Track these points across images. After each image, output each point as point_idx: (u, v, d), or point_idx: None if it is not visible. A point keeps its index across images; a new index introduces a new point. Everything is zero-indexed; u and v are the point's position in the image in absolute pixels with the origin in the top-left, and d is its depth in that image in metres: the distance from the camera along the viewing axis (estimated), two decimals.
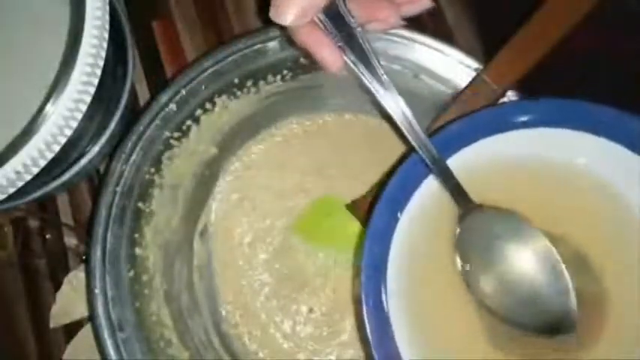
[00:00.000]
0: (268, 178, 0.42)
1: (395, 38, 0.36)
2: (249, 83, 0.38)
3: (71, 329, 0.40)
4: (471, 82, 0.35)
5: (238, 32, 0.45)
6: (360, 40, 0.28)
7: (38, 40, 0.34)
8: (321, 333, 0.40)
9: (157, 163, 0.37)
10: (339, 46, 0.29)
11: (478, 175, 0.31)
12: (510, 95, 0.35)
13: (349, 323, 0.40)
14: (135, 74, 0.41)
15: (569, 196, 0.32)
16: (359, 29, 0.29)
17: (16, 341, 0.40)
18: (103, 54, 0.31)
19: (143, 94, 0.44)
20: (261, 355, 0.39)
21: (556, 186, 0.32)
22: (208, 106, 0.37)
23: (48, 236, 0.41)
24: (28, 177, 0.31)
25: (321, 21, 0.28)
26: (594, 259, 0.31)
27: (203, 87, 0.37)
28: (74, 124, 0.31)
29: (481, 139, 0.31)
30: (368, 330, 0.29)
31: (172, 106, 0.36)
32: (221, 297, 0.40)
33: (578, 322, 0.29)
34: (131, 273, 0.35)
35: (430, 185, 0.31)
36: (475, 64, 0.36)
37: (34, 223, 0.41)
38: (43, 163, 0.31)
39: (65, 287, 0.40)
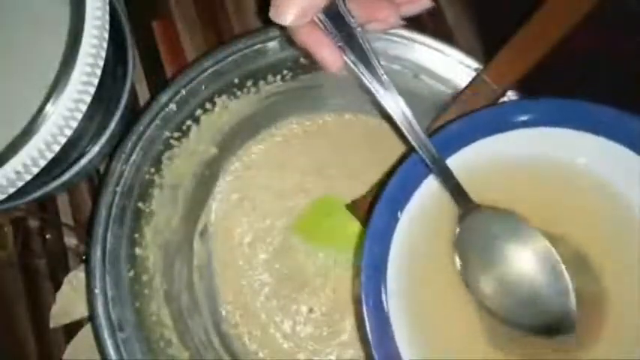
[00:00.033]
0: (268, 178, 0.42)
1: (395, 38, 0.36)
2: (249, 83, 0.38)
3: (71, 329, 0.40)
4: (471, 82, 0.35)
5: (238, 32, 0.45)
6: (360, 40, 0.29)
7: (38, 40, 0.34)
8: (321, 333, 0.40)
9: (157, 163, 0.37)
10: (339, 46, 0.29)
11: (478, 175, 0.31)
12: (510, 95, 0.35)
13: (349, 323, 0.40)
14: (135, 74, 0.41)
15: (570, 196, 0.32)
16: (359, 29, 0.29)
17: (16, 341, 0.40)
18: (103, 54, 0.31)
19: (143, 94, 0.44)
20: (261, 355, 0.39)
21: (556, 186, 0.32)
22: (208, 106, 0.37)
23: (48, 236, 0.41)
24: (28, 177, 0.31)
25: (321, 21, 0.28)
26: (594, 259, 0.31)
27: (203, 87, 0.37)
28: (74, 124, 0.31)
29: (481, 138, 0.31)
30: (368, 330, 0.29)
31: (172, 106, 0.36)
32: (221, 297, 0.40)
33: (577, 322, 0.29)
34: (131, 273, 0.35)
35: (430, 185, 0.31)
36: (475, 64, 0.36)
37: (34, 223, 0.41)
38: (43, 163, 0.31)
39: (65, 287, 0.40)
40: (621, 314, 0.30)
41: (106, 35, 0.32)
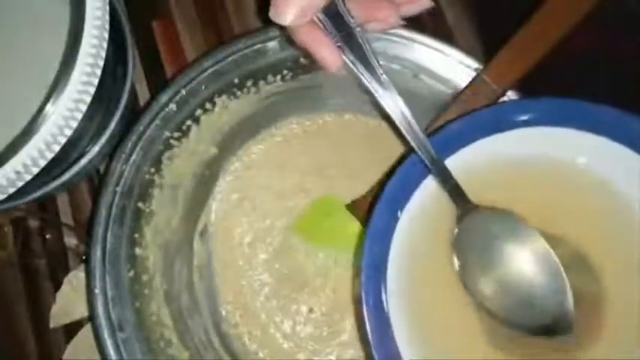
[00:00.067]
0: (268, 178, 0.42)
1: (394, 38, 0.36)
2: (249, 83, 0.38)
3: (71, 329, 0.40)
4: (471, 82, 0.35)
5: (238, 32, 0.45)
6: (360, 40, 0.29)
7: (38, 40, 0.34)
8: (321, 333, 0.40)
9: (157, 163, 0.37)
10: (339, 46, 0.29)
11: (477, 175, 0.31)
12: (510, 95, 0.35)
13: (349, 323, 0.40)
14: (135, 74, 0.41)
15: (569, 196, 0.32)
16: (358, 29, 0.29)
17: (16, 341, 0.40)
18: (103, 54, 0.31)
19: (143, 94, 0.44)
20: (261, 355, 0.39)
21: (556, 185, 0.32)
22: (208, 106, 0.37)
23: (48, 236, 0.41)
24: (28, 177, 0.31)
25: (320, 21, 0.28)
26: (594, 259, 0.31)
27: (203, 87, 0.37)
28: (74, 124, 0.31)
29: (481, 138, 0.31)
30: (368, 330, 0.29)
31: (172, 106, 0.36)
32: (221, 297, 0.40)
33: (577, 322, 0.29)
34: (131, 273, 0.35)
35: (430, 184, 0.31)
36: (475, 64, 0.36)
37: (34, 223, 0.41)
38: (43, 163, 0.31)
39: (65, 287, 0.40)
40: (621, 314, 0.30)
41: (106, 35, 0.32)
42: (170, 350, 0.36)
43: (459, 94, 0.35)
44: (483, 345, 0.31)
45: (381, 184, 0.31)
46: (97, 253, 0.34)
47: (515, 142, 0.31)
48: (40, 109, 0.30)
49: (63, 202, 0.43)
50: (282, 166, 0.42)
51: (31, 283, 0.41)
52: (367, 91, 0.29)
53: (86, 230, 0.41)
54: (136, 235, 0.36)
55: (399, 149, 0.36)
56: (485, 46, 0.44)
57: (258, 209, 0.41)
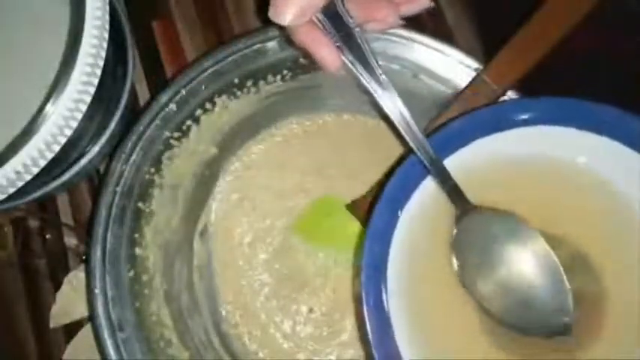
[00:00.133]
0: (268, 178, 0.42)
1: (394, 38, 0.36)
2: (249, 83, 0.38)
3: (71, 329, 0.40)
4: (471, 82, 0.35)
5: (238, 32, 0.45)
6: (359, 40, 0.29)
7: (38, 40, 0.34)
8: (321, 333, 0.40)
9: (157, 163, 0.37)
10: (338, 46, 0.29)
11: (477, 175, 0.31)
12: (510, 95, 0.35)
13: (349, 323, 0.40)
14: (135, 74, 0.41)
15: (569, 195, 0.32)
16: (357, 29, 0.29)
17: (16, 341, 0.40)
18: (103, 54, 0.31)
19: (143, 94, 0.44)
20: (261, 355, 0.39)
21: (556, 185, 0.32)
22: (208, 106, 0.37)
23: (48, 236, 0.41)
24: (28, 177, 0.31)
25: (319, 21, 0.28)
26: (594, 259, 0.31)
27: (203, 87, 0.37)
28: (74, 124, 0.31)
29: (481, 137, 0.31)
30: (368, 329, 0.29)
31: (172, 106, 0.36)
32: (221, 297, 0.40)
33: (577, 322, 0.29)
34: (131, 273, 0.35)
35: (430, 184, 0.31)
36: (475, 64, 0.36)
37: (34, 223, 0.41)
38: (43, 163, 0.31)
39: (65, 287, 0.40)
40: (621, 314, 0.30)
41: (106, 35, 0.32)
42: (170, 350, 0.36)
43: (459, 94, 0.35)
44: (483, 345, 0.31)
45: (381, 184, 0.31)
46: (97, 253, 0.34)
47: (515, 142, 0.31)
48: (40, 109, 0.30)
49: (63, 202, 0.43)
50: (282, 166, 0.42)
51: (31, 283, 0.41)
52: (366, 92, 0.29)
53: (86, 230, 0.41)
54: (136, 235, 0.36)
55: (398, 149, 0.36)
56: (485, 46, 0.44)
57: (258, 209, 0.41)
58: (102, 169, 0.42)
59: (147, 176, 0.36)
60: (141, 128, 0.36)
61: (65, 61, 0.30)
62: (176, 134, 0.37)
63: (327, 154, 0.42)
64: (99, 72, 0.31)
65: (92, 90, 0.31)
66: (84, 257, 0.40)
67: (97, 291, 0.34)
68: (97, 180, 0.43)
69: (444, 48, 0.36)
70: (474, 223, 0.30)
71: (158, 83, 0.44)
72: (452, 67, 0.36)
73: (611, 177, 0.31)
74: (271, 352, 0.39)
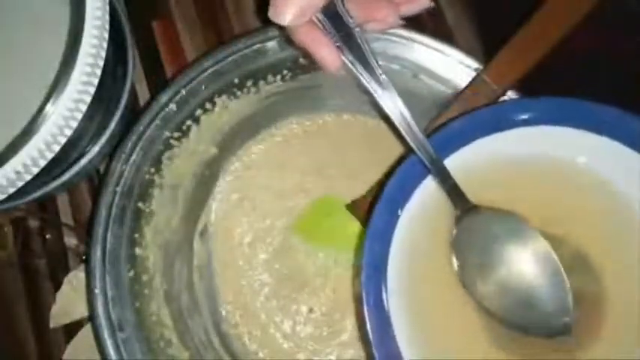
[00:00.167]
0: (268, 178, 0.42)
1: (394, 38, 0.36)
2: (249, 83, 0.38)
3: (71, 329, 0.40)
4: (471, 82, 0.35)
5: (238, 32, 0.45)
6: (359, 40, 0.29)
7: (38, 40, 0.34)
8: (321, 333, 0.40)
9: (157, 163, 0.37)
10: (338, 46, 0.29)
11: (477, 175, 0.31)
12: (510, 95, 0.35)
13: (349, 323, 0.40)
14: (135, 74, 0.41)
15: (570, 195, 0.32)
16: (357, 29, 0.29)
17: (16, 341, 0.40)
18: (103, 54, 0.31)
19: (143, 94, 0.44)
20: (261, 355, 0.39)
21: (556, 185, 0.32)
22: (208, 106, 0.37)
23: (48, 236, 0.41)
24: (28, 177, 0.31)
25: (319, 21, 0.28)
26: (594, 259, 0.31)
27: (203, 87, 0.37)
28: (74, 124, 0.31)
29: (481, 137, 0.31)
30: (369, 329, 0.29)
31: (172, 106, 0.36)
32: (221, 297, 0.40)
33: (577, 322, 0.29)
34: (131, 273, 0.35)
35: (430, 184, 0.31)
36: (475, 64, 0.36)
37: (34, 223, 0.41)
38: (43, 163, 0.31)
39: (65, 287, 0.40)
40: (621, 314, 0.30)
41: (106, 35, 0.32)
42: (170, 350, 0.36)
43: (459, 94, 0.35)
44: (484, 345, 0.31)
45: (381, 184, 0.31)
46: (97, 253, 0.34)
47: (515, 142, 0.31)
48: (40, 109, 0.30)
49: (63, 202, 0.43)
50: (282, 166, 0.42)
51: (31, 283, 0.41)
52: (366, 91, 0.29)
53: (86, 230, 0.41)
54: (136, 235, 0.36)
55: (398, 149, 0.36)
56: (485, 46, 0.44)
57: (258, 209, 0.41)
58: (102, 169, 0.42)
59: (147, 176, 0.36)
60: (141, 128, 0.36)
61: (65, 61, 0.30)
62: (176, 134, 0.37)
63: (327, 154, 0.42)
64: (99, 72, 0.31)
65: (92, 90, 0.31)
66: (84, 257, 0.40)
67: (97, 291, 0.34)
68: (97, 180, 0.43)
69: (444, 48, 0.36)
70: (474, 223, 0.30)
71: (158, 83, 0.44)
72: (452, 67, 0.36)
73: (611, 177, 0.31)
74: (271, 352, 0.39)
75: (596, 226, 0.32)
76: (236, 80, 0.37)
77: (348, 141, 0.42)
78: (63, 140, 0.31)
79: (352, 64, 0.29)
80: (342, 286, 0.40)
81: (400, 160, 0.31)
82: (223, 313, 0.40)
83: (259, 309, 0.40)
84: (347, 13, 0.28)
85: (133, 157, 0.36)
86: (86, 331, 0.40)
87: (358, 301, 0.30)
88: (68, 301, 0.40)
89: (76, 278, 0.40)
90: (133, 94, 0.43)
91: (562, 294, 0.29)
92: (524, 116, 0.31)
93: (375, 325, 0.29)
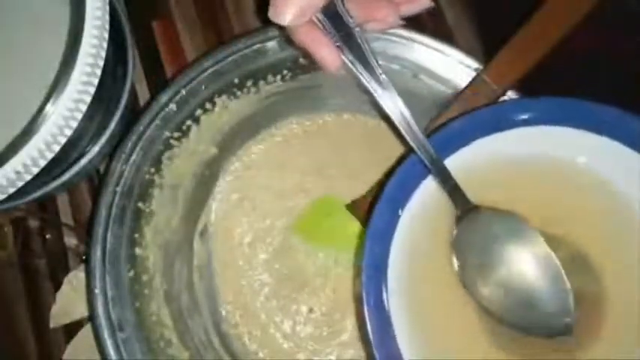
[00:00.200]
0: (268, 178, 0.42)
1: (394, 38, 0.36)
2: (249, 83, 0.38)
3: (71, 329, 0.40)
4: (471, 82, 0.35)
5: (238, 32, 0.45)
6: (359, 40, 0.28)
7: (38, 40, 0.34)
8: (321, 333, 0.40)
9: (157, 163, 0.37)
10: (338, 46, 0.29)
11: (477, 175, 0.31)
12: (510, 95, 0.35)
13: (349, 323, 0.40)
14: (135, 74, 0.41)
15: (570, 195, 0.32)
16: (357, 29, 0.29)
17: (16, 341, 0.40)
18: (103, 54, 0.31)
19: (143, 94, 0.44)
20: (261, 355, 0.39)
21: (556, 185, 0.32)
22: (208, 106, 0.37)
23: (48, 236, 0.41)
24: (28, 177, 0.31)
25: (319, 20, 0.28)
26: (594, 259, 0.31)
27: (203, 87, 0.37)
28: (74, 124, 0.31)
29: (481, 137, 0.31)
30: (369, 329, 0.29)
31: (172, 106, 0.36)
32: (221, 297, 0.40)
33: (577, 322, 0.29)
34: (131, 273, 0.35)
35: (430, 184, 0.31)
36: (475, 64, 0.36)
37: (34, 223, 0.41)
38: (43, 163, 0.31)
39: (65, 287, 0.40)
40: (621, 314, 0.30)
41: (106, 35, 0.32)
42: (170, 350, 0.36)
43: (459, 94, 0.35)
44: (484, 345, 0.31)
45: (381, 184, 0.31)
46: (97, 253, 0.34)
47: (515, 142, 0.31)
48: (40, 109, 0.30)
49: (63, 202, 0.43)
50: (282, 166, 0.42)
51: (31, 283, 0.41)
52: (366, 91, 0.29)
53: (86, 230, 0.41)
54: (136, 235, 0.36)
55: (398, 149, 0.36)
56: (485, 46, 0.44)
57: (258, 209, 0.41)
58: (102, 169, 0.42)
59: (147, 176, 0.36)
60: (141, 128, 0.36)
61: (65, 61, 0.30)
62: (176, 134, 0.37)
63: (327, 154, 0.42)
64: (99, 72, 0.31)
65: (92, 90, 0.31)
66: (84, 257, 0.40)
67: (97, 291, 0.34)
68: (97, 180, 0.43)
69: (444, 48, 0.36)
70: (474, 223, 0.30)
71: (158, 83, 0.44)
72: (452, 67, 0.36)
73: (611, 177, 0.31)
74: (271, 352, 0.39)
75: (596, 226, 0.32)
76: (236, 80, 0.37)
77: (348, 141, 0.42)
78: (63, 140, 0.31)
79: (352, 63, 0.29)
80: (342, 286, 0.40)
81: (400, 160, 0.31)
82: (223, 313, 0.40)
83: (259, 309, 0.40)
84: (347, 12, 0.28)
85: (133, 157, 0.36)
86: (86, 331, 0.40)
87: (359, 301, 0.30)
88: (68, 301, 0.40)
89: (76, 278, 0.40)
90: (133, 94, 0.43)
91: (563, 294, 0.29)
92: (524, 116, 0.31)
93: (376, 326, 0.29)
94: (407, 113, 0.29)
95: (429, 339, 0.30)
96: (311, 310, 0.40)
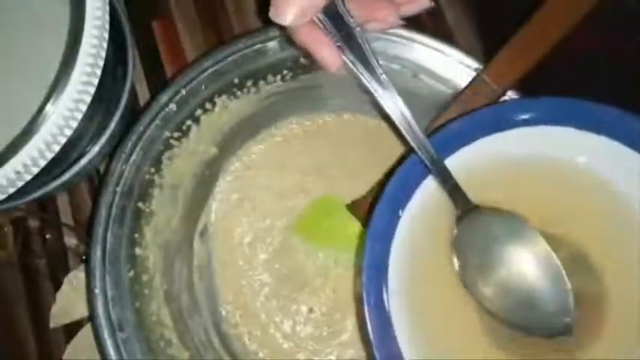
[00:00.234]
0: (268, 178, 0.42)
1: (394, 38, 0.36)
2: (249, 83, 0.38)
3: (71, 329, 0.40)
4: (471, 82, 0.35)
5: (238, 32, 0.45)
6: (359, 40, 0.29)
7: (38, 40, 0.34)
8: (321, 333, 0.40)
9: (157, 163, 0.37)
10: (338, 46, 0.29)
11: (477, 175, 0.31)
12: (510, 95, 0.35)
13: (349, 323, 0.40)
14: (135, 74, 0.41)
15: (569, 195, 0.32)
16: (358, 29, 0.29)
17: (16, 341, 0.40)
18: (103, 54, 0.31)
19: (143, 94, 0.44)
20: (261, 355, 0.39)
21: (556, 185, 0.32)
22: (208, 106, 0.37)
23: (48, 236, 0.41)
24: (28, 177, 0.31)
25: (320, 21, 0.28)
26: (595, 259, 0.31)
27: (203, 87, 0.37)
28: (74, 124, 0.31)
29: (482, 137, 0.31)
30: (370, 330, 0.29)
31: (172, 106, 0.36)
32: (221, 297, 0.40)
33: (577, 322, 0.29)
34: (131, 273, 0.35)
35: (431, 184, 0.31)
36: (475, 64, 0.36)
37: (34, 223, 0.41)
38: (43, 163, 0.31)
39: (65, 287, 0.40)
40: (621, 314, 0.30)
41: (106, 35, 0.32)
42: (170, 350, 0.36)
43: (459, 94, 0.35)
44: (484, 345, 0.31)
45: (381, 184, 0.31)
46: (97, 253, 0.34)
47: (515, 142, 0.31)
48: (40, 109, 0.30)
49: (63, 202, 0.43)
50: (282, 166, 0.42)
51: (31, 283, 0.41)
52: (367, 91, 0.29)
53: (86, 230, 0.41)
54: (136, 235, 0.36)
55: (398, 149, 0.36)
56: (486, 46, 0.44)
57: (258, 209, 0.41)
58: (102, 169, 0.42)
59: (147, 176, 0.36)
60: (141, 128, 0.36)
61: (65, 61, 0.30)
62: (176, 134, 0.37)
63: (328, 154, 0.42)
64: (99, 72, 0.31)
65: (92, 90, 0.31)
66: (84, 257, 0.40)
67: (97, 291, 0.34)
68: (97, 180, 0.43)
69: (444, 48, 0.36)
70: (475, 223, 0.30)
71: (158, 83, 0.44)
72: (452, 67, 0.36)
73: (611, 177, 0.31)
74: (271, 352, 0.39)
75: (596, 226, 0.32)
76: (236, 80, 0.37)
77: (348, 141, 0.42)
78: (63, 140, 0.31)
79: (353, 63, 0.29)
80: (342, 286, 0.40)
81: (401, 160, 0.31)
82: (223, 313, 0.40)
83: (259, 309, 0.40)
84: (348, 12, 0.28)
85: (133, 157, 0.36)
86: (86, 331, 0.40)
87: (359, 301, 0.30)
88: (68, 301, 0.40)
89: (76, 278, 0.40)
90: (133, 94, 0.43)
91: (563, 294, 0.29)
92: (525, 116, 0.31)
93: (376, 326, 0.29)
94: (407, 113, 0.29)
95: (429, 339, 0.30)
96: (311, 310, 0.40)
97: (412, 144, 0.29)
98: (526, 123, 0.31)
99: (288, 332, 0.40)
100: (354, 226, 0.38)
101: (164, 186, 0.37)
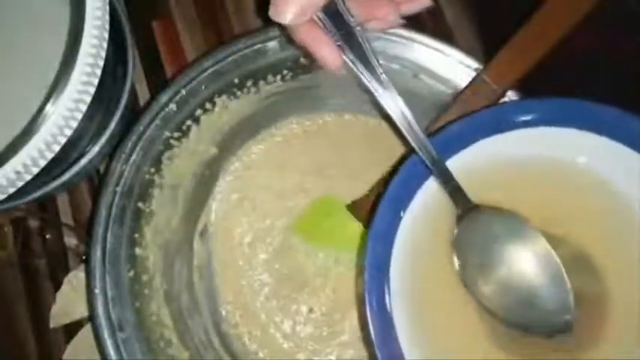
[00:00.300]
0: (268, 178, 0.42)
1: (394, 37, 0.36)
2: (249, 83, 0.38)
3: (71, 329, 0.40)
4: (471, 82, 0.35)
5: (238, 32, 0.45)
6: (359, 39, 0.28)
7: (38, 40, 0.34)
8: (321, 333, 0.40)
9: (157, 163, 0.37)
10: (338, 45, 0.29)
11: (478, 176, 0.31)
12: (510, 95, 0.35)
13: (349, 323, 0.40)
14: (135, 74, 0.41)
15: (570, 195, 0.32)
16: (358, 28, 0.29)
17: (16, 341, 0.40)
18: (103, 54, 0.31)
19: (143, 94, 0.44)
20: (261, 355, 0.39)
21: (557, 185, 0.32)
22: (208, 106, 0.37)
23: (48, 236, 0.41)
24: (28, 177, 0.31)
25: (320, 19, 0.28)
26: (596, 259, 0.31)
27: (203, 87, 0.37)
28: (74, 124, 0.31)
29: (482, 138, 0.31)
30: (371, 330, 0.29)
31: (172, 106, 0.36)
32: (221, 297, 0.40)
33: (578, 322, 0.29)
34: (131, 273, 0.35)
35: (432, 184, 0.31)
36: (475, 64, 0.36)
37: (34, 223, 0.41)
38: (43, 163, 0.31)
39: (65, 287, 0.40)
40: (622, 314, 0.30)
41: (106, 35, 0.32)
42: (170, 350, 0.36)
43: (459, 94, 0.35)
44: (484, 345, 0.31)
45: (382, 184, 0.31)
46: (97, 253, 0.34)
47: (516, 143, 0.31)
48: (40, 109, 0.30)
49: (63, 202, 0.43)
50: (282, 166, 0.42)
51: (31, 283, 0.41)
52: (367, 91, 0.29)
53: (86, 230, 0.41)
54: (136, 235, 0.36)
55: (399, 149, 0.36)
56: (486, 46, 0.44)
57: (258, 209, 0.41)
58: (102, 169, 0.42)
59: (147, 176, 0.36)
60: (141, 128, 0.36)
61: (65, 61, 0.30)
62: (176, 134, 0.37)
63: (328, 154, 0.42)
64: (99, 72, 0.31)
65: (92, 90, 0.31)
66: (84, 257, 0.40)
67: (97, 291, 0.34)
68: (97, 180, 0.43)
69: (444, 48, 0.36)
70: (475, 222, 0.30)
71: (158, 83, 0.44)
72: (452, 67, 0.36)
73: (611, 177, 0.31)
74: (271, 352, 0.39)
75: (597, 226, 0.32)
76: (236, 80, 0.37)
77: (348, 141, 0.42)
78: (63, 140, 0.31)
79: (353, 63, 0.29)
80: (342, 286, 0.40)
81: (401, 161, 0.31)
82: (223, 313, 0.40)
83: (259, 309, 0.40)
84: (348, 11, 0.28)
85: (133, 157, 0.36)
86: (86, 331, 0.40)
87: (361, 302, 0.30)
88: (68, 301, 0.40)
89: (76, 278, 0.40)
90: (133, 94, 0.43)
91: (563, 293, 0.29)
92: (525, 118, 0.31)
93: (378, 327, 0.29)
94: (408, 113, 0.29)
95: (430, 339, 0.30)
96: (311, 310, 0.40)
97: (413, 144, 0.29)
98: (526, 124, 0.31)
99: (288, 332, 0.40)
100: (354, 226, 0.38)
101: (164, 186, 0.37)
